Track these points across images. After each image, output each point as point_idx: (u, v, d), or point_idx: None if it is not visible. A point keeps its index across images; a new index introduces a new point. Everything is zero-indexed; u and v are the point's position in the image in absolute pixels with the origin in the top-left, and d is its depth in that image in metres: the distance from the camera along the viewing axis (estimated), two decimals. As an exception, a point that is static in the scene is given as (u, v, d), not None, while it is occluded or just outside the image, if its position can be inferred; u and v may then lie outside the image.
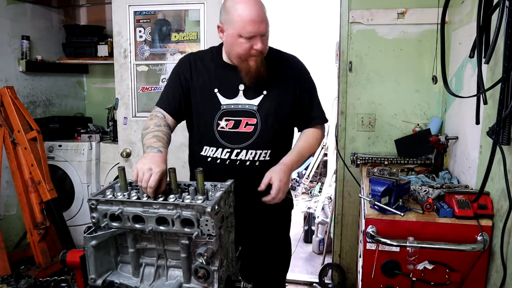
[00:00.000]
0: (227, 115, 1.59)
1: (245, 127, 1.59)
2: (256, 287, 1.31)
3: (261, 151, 1.60)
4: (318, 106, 1.73)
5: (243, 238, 1.43)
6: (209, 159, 1.61)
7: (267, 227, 1.73)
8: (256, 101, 1.60)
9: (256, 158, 1.60)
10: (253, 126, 1.58)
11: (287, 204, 1.79)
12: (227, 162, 1.59)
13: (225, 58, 1.65)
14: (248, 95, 1.60)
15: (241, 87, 1.60)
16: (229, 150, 1.58)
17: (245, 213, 1.48)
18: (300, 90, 1.67)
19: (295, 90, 1.66)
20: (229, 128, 1.59)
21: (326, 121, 1.76)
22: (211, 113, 1.60)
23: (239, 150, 1.58)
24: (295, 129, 1.78)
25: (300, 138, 1.71)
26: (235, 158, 1.59)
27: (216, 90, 1.60)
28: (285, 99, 1.64)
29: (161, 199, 1.21)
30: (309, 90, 1.71)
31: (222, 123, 1.59)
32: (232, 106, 1.59)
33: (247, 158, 1.59)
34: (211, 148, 1.61)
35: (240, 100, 1.60)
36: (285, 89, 1.64)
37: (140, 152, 2.80)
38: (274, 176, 1.49)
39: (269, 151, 1.61)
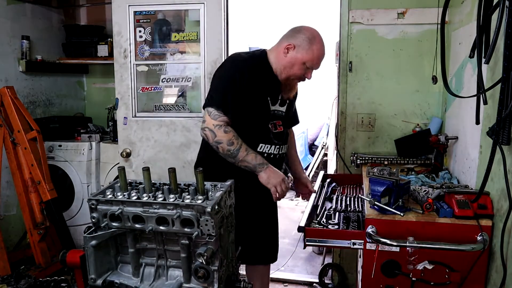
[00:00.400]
0: (273, 119, 1.95)
1: (278, 127, 1.98)
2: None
3: (286, 145, 2.07)
4: (296, 110, 2.22)
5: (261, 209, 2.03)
6: (265, 154, 1.92)
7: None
8: (284, 108, 2.00)
9: (285, 151, 2.06)
10: (282, 127, 2.00)
11: None
12: (277, 156, 1.97)
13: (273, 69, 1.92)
14: (281, 103, 1.99)
15: (280, 96, 1.97)
16: (278, 146, 1.96)
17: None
18: (295, 99, 2.13)
19: (294, 100, 2.12)
20: (274, 130, 1.95)
21: (299, 121, 2.26)
22: (265, 116, 1.92)
23: (282, 146, 1.99)
24: None
25: (293, 144, 2.27)
26: (281, 152, 2.00)
27: (268, 98, 1.91)
28: (293, 106, 2.11)
29: (161, 199, 1.21)
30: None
31: (271, 125, 1.94)
32: (275, 112, 1.96)
33: (284, 152, 2.03)
34: (267, 145, 1.93)
35: (277, 107, 1.97)
36: (293, 99, 2.09)
37: (140, 151, 2.81)
38: (308, 182, 2.20)
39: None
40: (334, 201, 2.18)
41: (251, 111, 1.87)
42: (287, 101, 2.01)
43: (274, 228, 2.18)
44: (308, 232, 1.77)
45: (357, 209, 2.01)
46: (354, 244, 1.70)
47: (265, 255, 2.14)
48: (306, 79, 1.90)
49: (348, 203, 2.12)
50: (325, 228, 1.81)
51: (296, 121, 2.22)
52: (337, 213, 1.98)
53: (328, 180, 2.53)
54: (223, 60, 2.18)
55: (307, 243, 1.78)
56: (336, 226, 1.82)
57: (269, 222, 2.13)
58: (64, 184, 3.23)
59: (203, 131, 1.81)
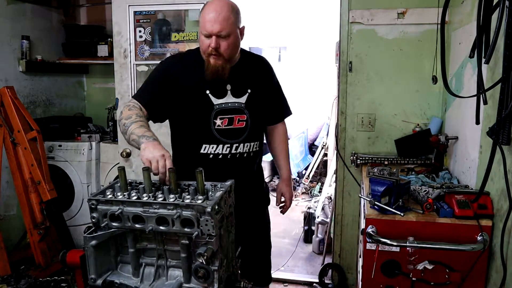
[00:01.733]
0: (220, 114, 1.70)
1: (238, 123, 1.72)
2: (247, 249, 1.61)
3: (253, 143, 1.78)
4: (285, 101, 1.97)
5: (241, 220, 1.58)
6: (211, 155, 1.71)
7: (257, 204, 1.94)
8: (243, 99, 1.74)
9: (250, 150, 1.77)
10: (245, 122, 1.73)
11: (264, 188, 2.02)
12: (228, 157, 1.72)
13: None
14: (235, 93, 1.73)
15: (228, 86, 1.72)
16: (228, 145, 1.71)
17: (243, 196, 1.59)
18: (272, 86, 1.89)
19: (269, 87, 1.87)
20: (224, 126, 1.70)
21: (292, 113, 1.99)
22: (206, 113, 1.70)
23: (237, 144, 1.73)
24: None
25: (280, 142, 1.99)
26: (235, 152, 1.73)
27: (207, 92, 1.70)
28: (265, 96, 1.83)
29: (161, 199, 1.21)
30: (278, 86, 1.93)
31: (218, 121, 1.70)
32: (223, 105, 1.71)
33: (244, 151, 1.75)
34: (211, 145, 1.71)
35: (229, 99, 1.72)
36: (264, 87, 1.83)
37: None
38: (285, 193, 1.97)
39: (258, 142, 1.82)
40: None
41: (183, 107, 1.70)
42: (249, 91, 1.74)
43: (263, 247, 1.97)
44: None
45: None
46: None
47: (255, 277, 1.91)
48: (211, 48, 1.60)
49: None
50: None
51: (284, 113, 1.95)
52: None
53: None
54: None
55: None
56: None
57: (257, 240, 1.93)
58: (64, 184, 3.23)
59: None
